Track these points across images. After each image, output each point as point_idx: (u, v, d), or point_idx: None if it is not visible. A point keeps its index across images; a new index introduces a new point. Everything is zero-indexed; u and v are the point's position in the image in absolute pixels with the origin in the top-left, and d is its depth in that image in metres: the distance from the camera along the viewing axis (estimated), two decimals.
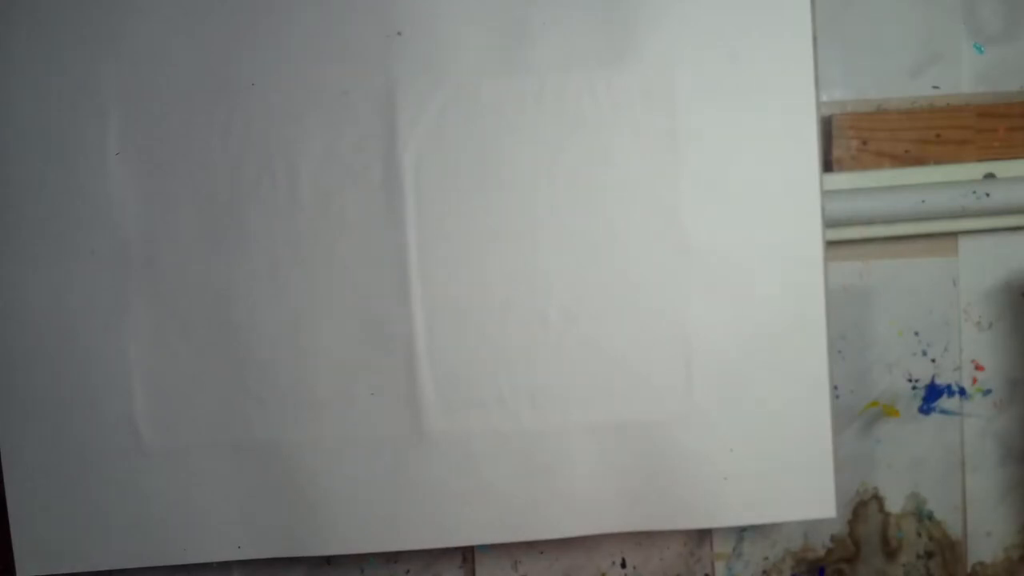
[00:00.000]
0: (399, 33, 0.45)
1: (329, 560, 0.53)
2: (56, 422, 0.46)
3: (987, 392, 0.53)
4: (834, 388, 0.47)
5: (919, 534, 0.54)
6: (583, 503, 0.46)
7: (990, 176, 0.51)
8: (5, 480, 0.47)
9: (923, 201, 0.49)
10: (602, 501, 0.46)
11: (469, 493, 0.46)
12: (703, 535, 0.54)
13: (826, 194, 0.46)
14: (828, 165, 0.52)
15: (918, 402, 0.53)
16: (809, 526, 0.53)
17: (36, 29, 0.45)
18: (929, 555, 0.54)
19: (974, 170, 0.51)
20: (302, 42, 0.45)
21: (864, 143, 0.52)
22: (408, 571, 0.54)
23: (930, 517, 0.54)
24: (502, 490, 0.46)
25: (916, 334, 0.53)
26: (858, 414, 0.53)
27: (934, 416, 0.53)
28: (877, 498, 0.54)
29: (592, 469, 0.46)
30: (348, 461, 0.46)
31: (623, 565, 0.54)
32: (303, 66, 0.45)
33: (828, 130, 0.52)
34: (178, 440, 0.46)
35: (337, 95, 0.45)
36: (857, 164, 0.52)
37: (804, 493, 0.46)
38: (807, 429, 0.46)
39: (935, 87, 0.52)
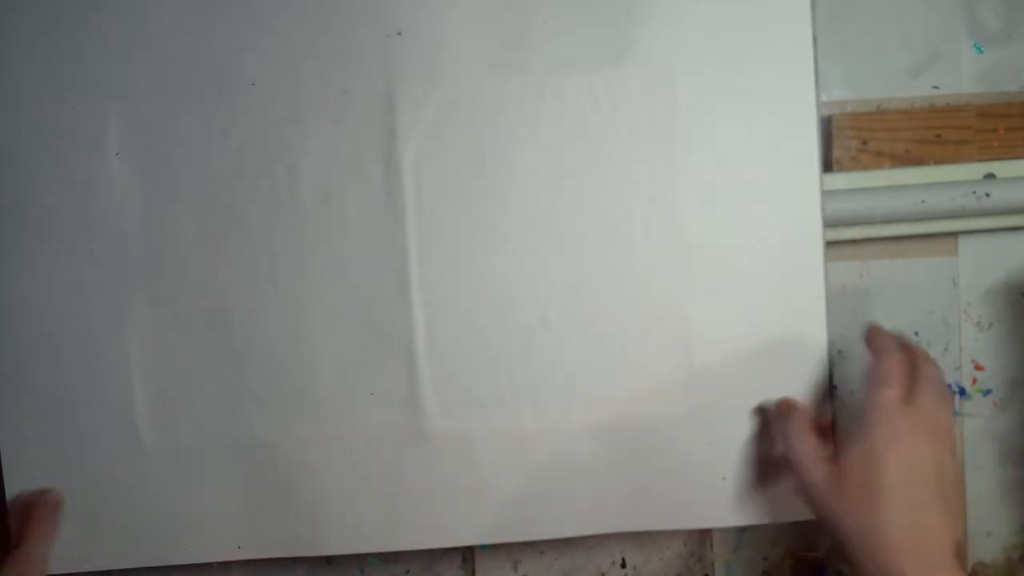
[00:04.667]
0: (399, 33, 0.45)
1: (329, 560, 0.53)
2: (56, 422, 0.46)
3: (987, 392, 0.53)
4: (834, 388, 0.47)
5: None
6: (583, 503, 0.46)
7: (990, 176, 0.51)
8: (5, 480, 0.47)
9: (923, 201, 0.49)
10: (602, 501, 0.46)
11: (469, 493, 0.46)
12: (703, 535, 0.54)
13: (826, 194, 0.46)
14: (828, 165, 0.52)
15: None
16: (809, 526, 0.53)
17: (35, 28, 0.45)
18: None
19: (974, 170, 0.51)
20: (302, 42, 0.45)
21: (864, 143, 0.52)
22: (408, 571, 0.54)
23: None
24: (502, 490, 0.46)
25: (916, 334, 0.53)
26: None
27: None
28: None
29: (592, 469, 0.46)
30: (348, 461, 0.46)
31: (623, 565, 0.54)
32: (303, 66, 0.45)
33: (828, 130, 0.52)
34: (178, 440, 0.46)
35: (337, 95, 0.45)
36: (857, 164, 0.52)
37: None
38: None
39: (935, 87, 0.52)
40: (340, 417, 0.46)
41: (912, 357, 0.42)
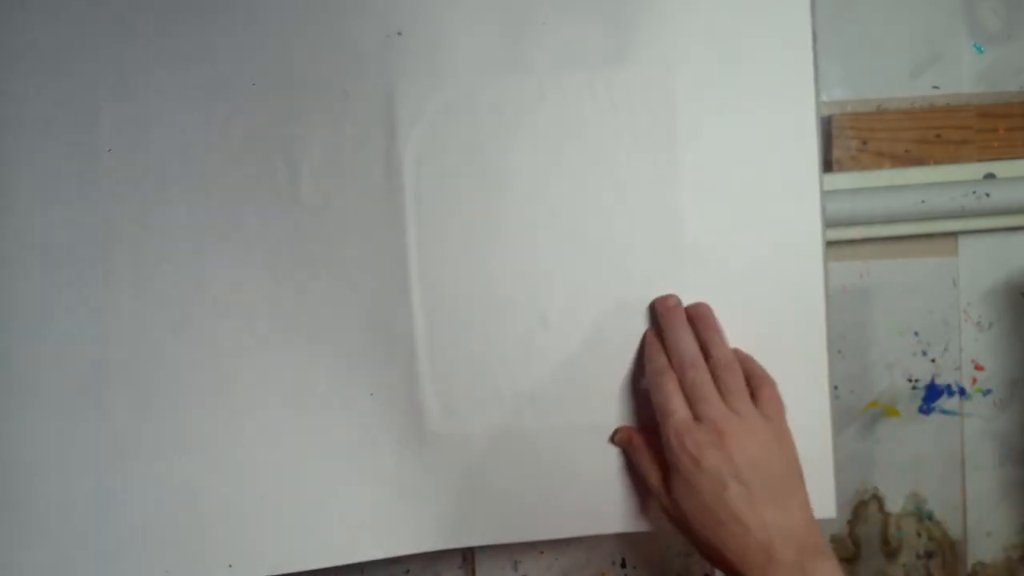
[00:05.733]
0: (399, 33, 0.45)
1: None
2: (42, 429, 0.44)
3: (987, 392, 0.54)
4: (834, 388, 0.47)
5: (919, 534, 0.54)
6: (583, 503, 0.46)
7: (990, 176, 0.51)
8: None
9: (923, 201, 0.49)
10: (602, 501, 0.46)
11: (469, 494, 0.46)
12: None
13: (826, 194, 0.46)
14: (828, 165, 0.52)
15: (918, 402, 0.53)
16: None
17: (30, 25, 0.44)
18: (929, 555, 0.54)
19: (974, 170, 0.51)
20: (302, 42, 0.45)
21: (864, 143, 0.52)
22: (408, 571, 0.54)
23: (930, 517, 0.54)
24: (502, 490, 0.46)
25: (916, 334, 0.53)
26: (859, 414, 0.53)
27: (934, 416, 0.53)
28: (877, 498, 0.54)
29: (592, 469, 0.46)
30: (348, 462, 0.46)
31: (623, 565, 0.54)
32: (303, 66, 0.45)
33: (828, 130, 0.52)
34: (167, 450, 0.44)
35: (337, 95, 0.45)
36: (857, 164, 0.52)
37: None
38: (807, 429, 0.46)
39: (935, 87, 0.52)
40: (340, 417, 0.46)
41: (680, 374, 0.42)
